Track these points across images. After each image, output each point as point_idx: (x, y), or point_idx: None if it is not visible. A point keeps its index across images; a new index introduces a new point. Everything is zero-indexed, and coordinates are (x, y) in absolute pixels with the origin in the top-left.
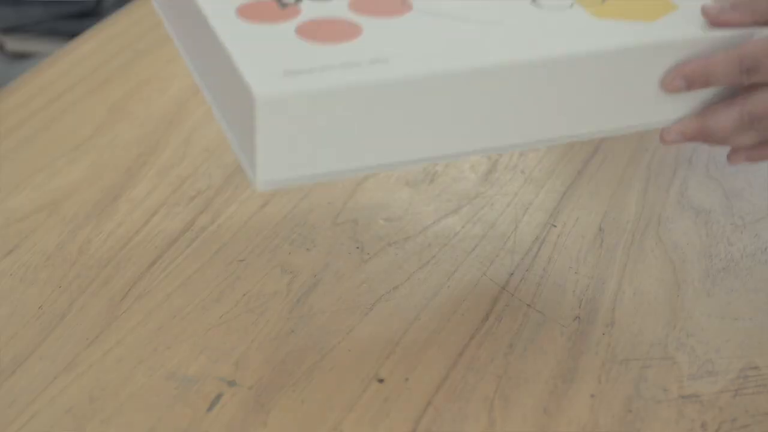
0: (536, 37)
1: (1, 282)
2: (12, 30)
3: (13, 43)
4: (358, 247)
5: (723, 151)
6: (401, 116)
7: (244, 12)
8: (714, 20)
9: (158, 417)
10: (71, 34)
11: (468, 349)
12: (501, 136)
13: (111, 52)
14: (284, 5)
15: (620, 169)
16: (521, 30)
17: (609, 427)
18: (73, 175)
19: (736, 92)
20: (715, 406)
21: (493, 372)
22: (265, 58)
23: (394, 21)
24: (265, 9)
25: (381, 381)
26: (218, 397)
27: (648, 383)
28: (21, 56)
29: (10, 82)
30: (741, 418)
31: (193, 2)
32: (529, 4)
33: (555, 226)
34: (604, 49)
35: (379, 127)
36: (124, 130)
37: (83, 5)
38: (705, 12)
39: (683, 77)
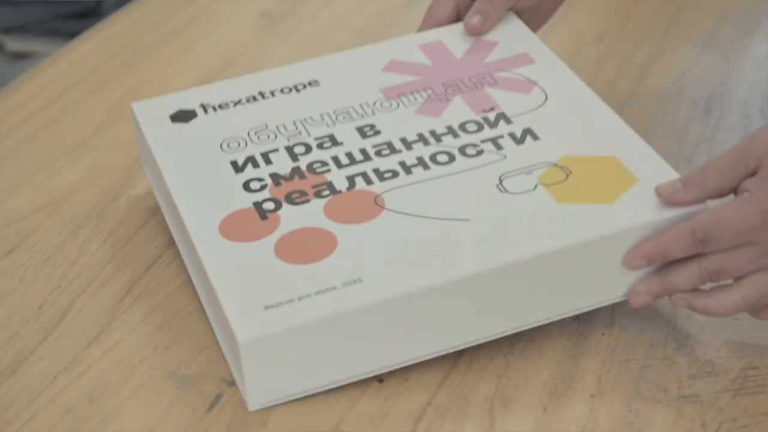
0: (502, 235)
1: (1, 282)
2: (12, 30)
3: (13, 43)
4: None
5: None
6: (379, 330)
7: (225, 227)
8: (668, 201)
9: (158, 417)
10: (71, 34)
11: (468, 349)
12: (474, 331)
13: (111, 52)
14: (264, 215)
15: None
16: (488, 227)
17: (609, 427)
18: (73, 175)
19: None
20: (715, 406)
21: (493, 372)
22: (246, 291)
23: (367, 227)
24: (246, 221)
25: (381, 381)
26: (218, 397)
27: (648, 383)
28: (21, 56)
29: (10, 82)
30: (741, 418)
31: (178, 211)
32: (495, 187)
33: None
34: (567, 244)
35: (358, 342)
36: (124, 130)
37: (83, 5)
38: (659, 193)
39: (642, 257)
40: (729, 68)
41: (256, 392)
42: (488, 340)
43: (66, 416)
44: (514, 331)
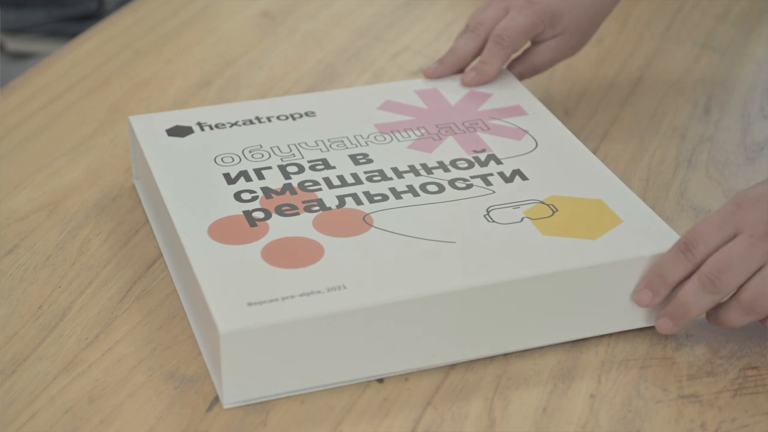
0: (487, 258)
1: (1, 282)
2: (13, 31)
3: (14, 44)
4: None
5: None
6: (359, 339)
7: (214, 230)
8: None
9: (158, 417)
10: (72, 36)
11: None
12: (459, 350)
13: (111, 52)
14: (254, 223)
15: (620, 169)
16: (473, 250)
17: (609, 427)
18: (73, 175)
19: None
20: (715, 406)
21: (493, 372)
22: (231, 287)
23: (354, 240)
24: (235, 226)
25: (381, 381)
26: (218, 397)
27: (648, 383)
28: (21, 56)
29: (10, 82)
30: (741, 418)
31: (168, 214)
32: (482, 217)
33: None
34: (550, 271)
35: (336, 348)
36: (124, 130)
37: (84, 9)
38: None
39: (645, 287)
40: (729, 68)
41: (232, 388)
42: (474, 359)
43: (66, 416)
44: (501, 353)
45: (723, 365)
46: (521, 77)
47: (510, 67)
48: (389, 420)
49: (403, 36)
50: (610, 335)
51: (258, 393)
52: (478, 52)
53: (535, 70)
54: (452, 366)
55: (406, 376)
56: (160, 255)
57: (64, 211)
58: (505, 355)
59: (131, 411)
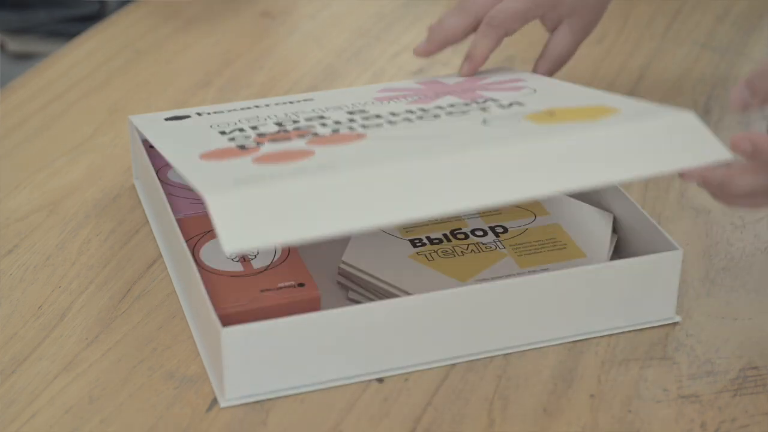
0: (481, 142)
1: (1, 282)
2: (14, 32)
3: (15, 44)
4: None
5: None
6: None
7: (206, 155)
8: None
9: (158, 417)
10: (73, 36)
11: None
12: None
13: (111, 52)
14: (245, 148)
15: None
16: (468, 139)
17: (609, 427)
18: (73, 175)
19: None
20: (715, 406)
21: (493, 372)
22: (219, 176)
23: (347, 145)
24: (228, 152)
25: (381, 381)
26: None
27: (648, 383)
28: (23, 57)
29: (11, 82)
30: (740, 418)
31: (160, 151)
32: (479, 123)
33: None
34: (550, 145)
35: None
36: (124, 130)
37: (86, 9)
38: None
39: (749, 140)
40: (729, 68)
41: (230, 238)
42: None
43: (66, 416)
44: (507, 346)
45: (723, 365)
46: (550, 73)
47: (536, 68)
48: (389, 420)
49: (403, 36)
50: (609, 336)
51: (259, 387)
52: (467, 31)
53: (561, 60)
54: (452, 366)
55: (406, 376)
56: (160, 255)
57: (64, 211)
58: (505, 355)
59: (131, 411)
